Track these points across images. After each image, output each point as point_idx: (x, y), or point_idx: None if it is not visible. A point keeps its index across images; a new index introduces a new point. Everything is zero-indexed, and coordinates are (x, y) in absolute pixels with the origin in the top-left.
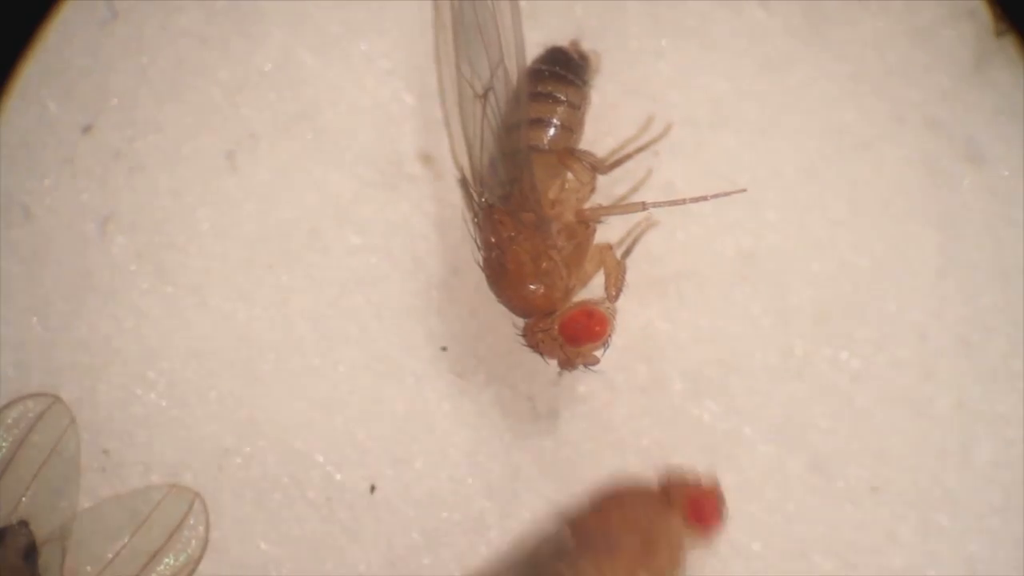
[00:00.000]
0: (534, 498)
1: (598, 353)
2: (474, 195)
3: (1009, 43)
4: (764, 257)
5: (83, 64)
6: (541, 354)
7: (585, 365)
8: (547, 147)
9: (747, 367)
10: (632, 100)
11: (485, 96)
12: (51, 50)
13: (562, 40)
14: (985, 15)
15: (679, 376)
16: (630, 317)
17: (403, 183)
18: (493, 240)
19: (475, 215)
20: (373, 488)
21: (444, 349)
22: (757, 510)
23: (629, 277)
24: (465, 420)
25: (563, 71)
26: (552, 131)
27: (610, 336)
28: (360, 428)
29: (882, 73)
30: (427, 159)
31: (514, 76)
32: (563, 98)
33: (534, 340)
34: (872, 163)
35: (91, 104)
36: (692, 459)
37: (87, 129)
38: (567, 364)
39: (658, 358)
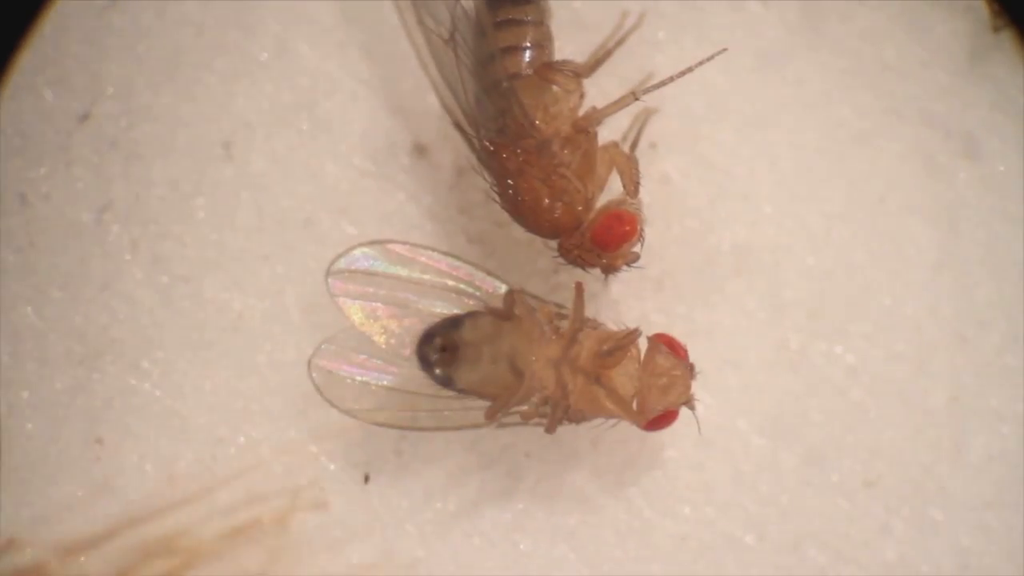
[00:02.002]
0: (531, 490)
1: (636, 250)
2: (473, 139)
3: (1006, 38)
4: (759, 251)
5: (80, 53)
6: (583, 268)
7: (628, 264)
8: (525, 70)
9: (742, 361)
10: None
11: (453, 39)
12: (48, 38)
13: None
14: (982, 10)
15: None
16: (625, 310)
17: (398, 173)
18: (505, 178)
19: (479, 157)
20: (367, 478)
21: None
22: (751, 503)
23: (625, 272)
24: (461, 412)
25: None
26: (526, 54)
27: (643, 230)
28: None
29: (879, 68)
30: (422, 150)
31: (472, 11)
32: (527, 18)
33: (571, 257)
34: (868, 157)
35: (88, 93)
36: (686, 452)
37: (84, 118)
38: (610, 269)
39: None
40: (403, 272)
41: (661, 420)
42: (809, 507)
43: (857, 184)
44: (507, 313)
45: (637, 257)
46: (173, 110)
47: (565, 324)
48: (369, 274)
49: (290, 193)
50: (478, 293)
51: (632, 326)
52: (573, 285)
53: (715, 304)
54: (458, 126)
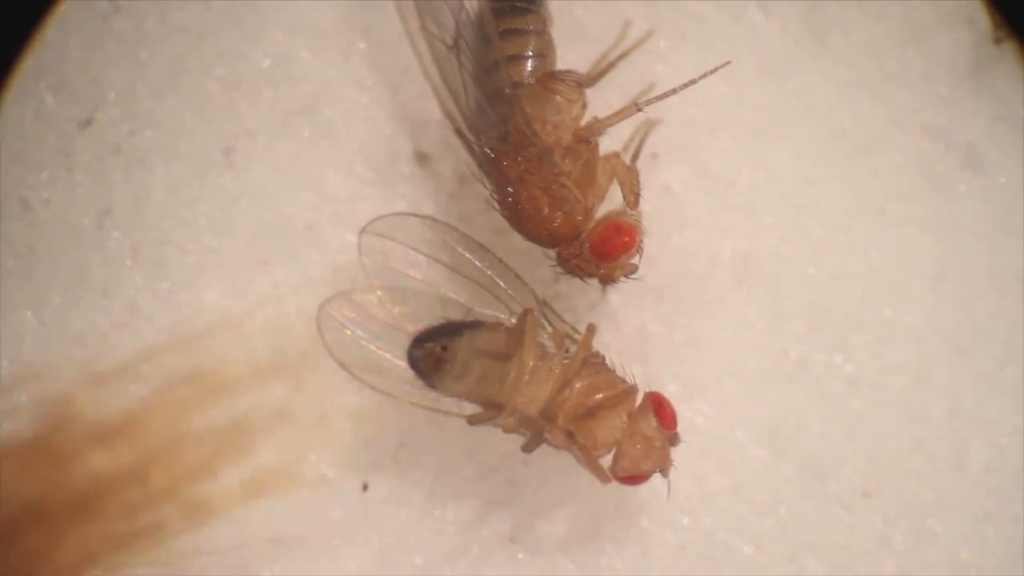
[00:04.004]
0: (530, 499)
1: (634, 261)
2: (474, 145)
3: (1008, 50)
4: (760, 261)
5: (82, 58)
6: (581, 278)
7: (626, 276)
8: (528, 79)
9: (741, 370)
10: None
11: (456, 45)
12: (50, 43)
13: None
14: (984, 22)
15: (673, 378)
16: (624, 320)
17: (399, 182)
18: (505, 186)
19: (480, 164)
20: (366, 487)
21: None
22: (749, 513)
23: (625, 280)
24: (460, 420)
25: (520, 1)
26: (529, 64)
27: (642, 242)
28: (353, 426)
29: (881, 79)
30: (423, 158)
31: (476, 18)
32: (530, 28)
33: (570, 267)
34: (869, 168)
35: (90, 98)
36: (685, 460)
37: (85, 123)
38: (608, 280)
39: (652, 360)
40: (437, 253)
41: (630, 479)
42: (808, 518)
43: (858, 195)
44: (514, 333)
45: (635, 268)
46: (175, 116)
47: (573, 348)
48: (402, 245)
49: (291, 200)
50: (496, 303)
51: (632, 380)
52: (572, 294)
53: (715, 314)
54: (459, 133)
